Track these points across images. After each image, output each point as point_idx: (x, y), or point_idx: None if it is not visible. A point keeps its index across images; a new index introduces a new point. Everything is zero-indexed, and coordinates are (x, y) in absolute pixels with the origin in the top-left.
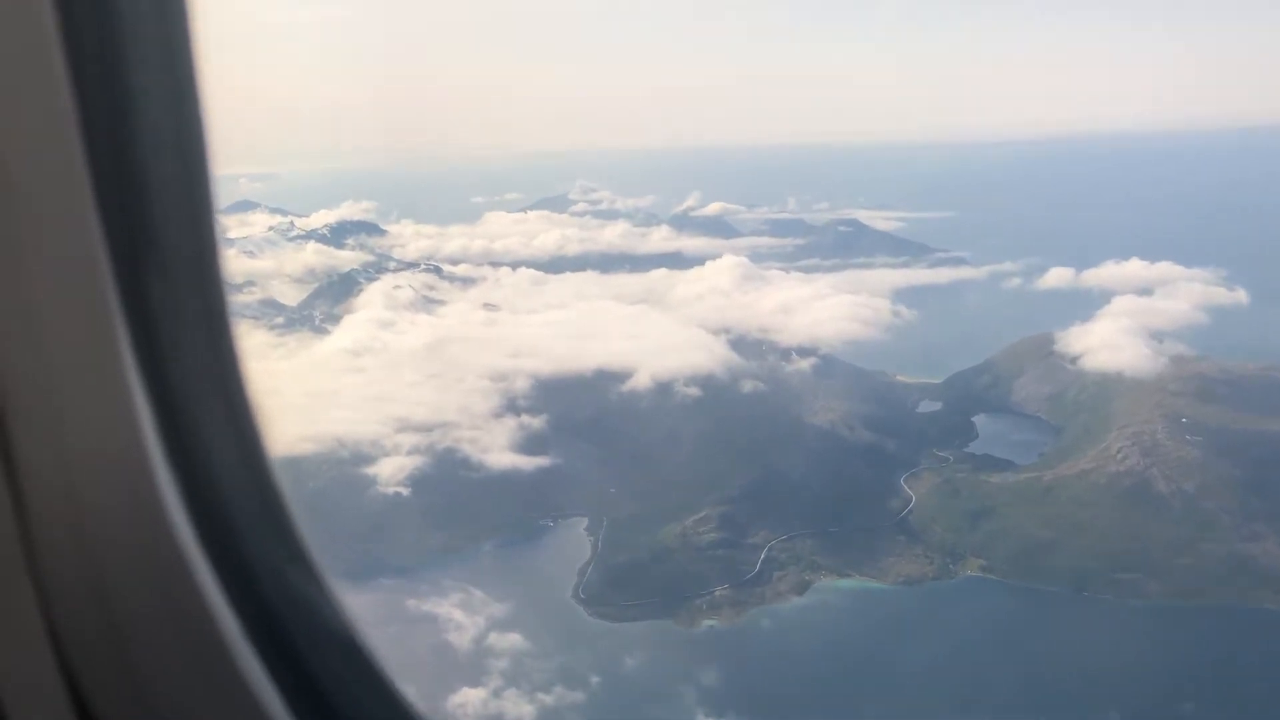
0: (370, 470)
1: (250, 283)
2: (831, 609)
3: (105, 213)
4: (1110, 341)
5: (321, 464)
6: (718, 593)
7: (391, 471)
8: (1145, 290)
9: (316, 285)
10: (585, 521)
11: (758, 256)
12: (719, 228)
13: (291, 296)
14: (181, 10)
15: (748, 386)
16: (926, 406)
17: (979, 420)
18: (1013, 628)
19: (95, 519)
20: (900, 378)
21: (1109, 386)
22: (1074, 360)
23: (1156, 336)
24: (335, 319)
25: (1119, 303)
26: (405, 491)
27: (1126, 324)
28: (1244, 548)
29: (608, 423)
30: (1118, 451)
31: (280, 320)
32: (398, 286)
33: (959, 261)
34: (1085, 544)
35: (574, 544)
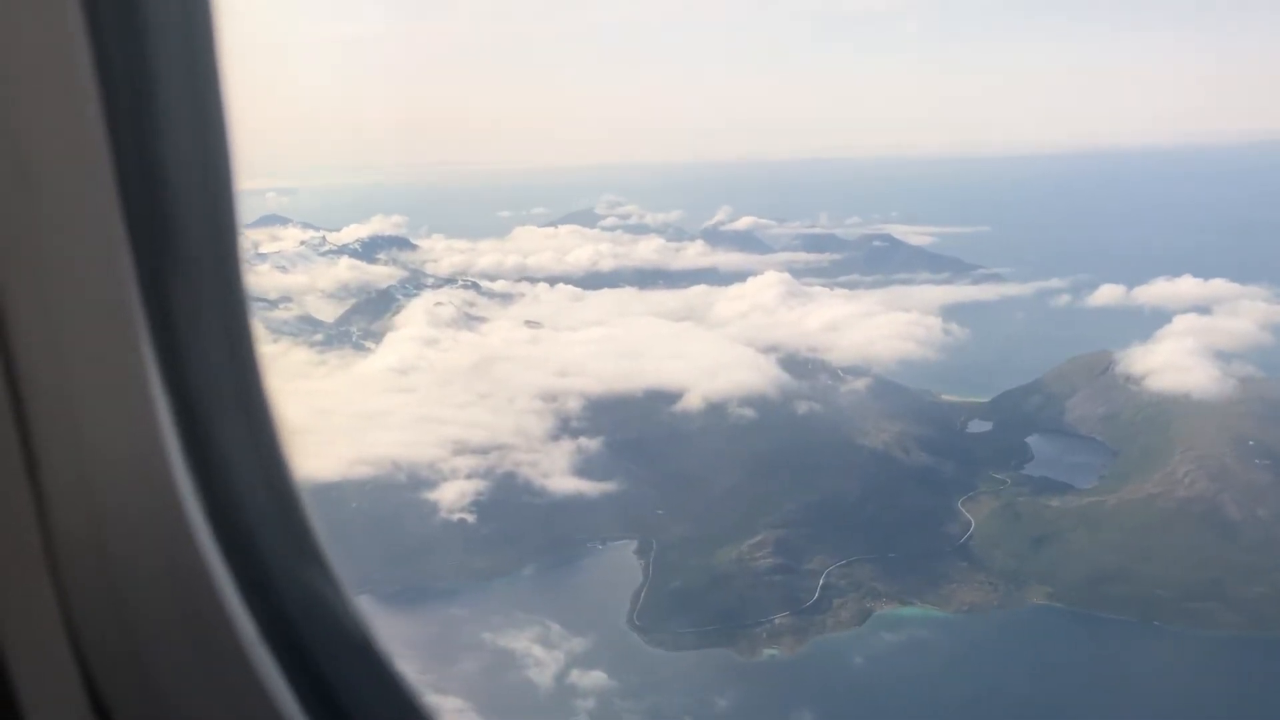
0: (431, 495)
1: (286, 298)
2: (895, 639)
3: (130, 219)
4: (1176, 362)
5: (380, 488)
6: (777, 620)
7: (454, 497)
8: (1201, 308)
9: (353, 301)
10: (634, 544)
11: (795, 272)
12: (751, 243)
13: (328, 313)
14: (207, 21)
15: (800, 407)
16: (976, 427)
17: (1033, 441)
18: (1084, 660)
19: (115, 523)
20: (945, 397)
21: (1168, 408)
22: (1134, 380)
23: (1223, 357)
24: (374, 336)
25: (1181, 322)
26: (470, 518)
27: (1191, 344)
28: None
29: (660, 444)
30: (1184, 475)
31: (319, 337)
32: (439, 303)
33: (1002, 278)
34: (1155, 572)
35: (624, 568)
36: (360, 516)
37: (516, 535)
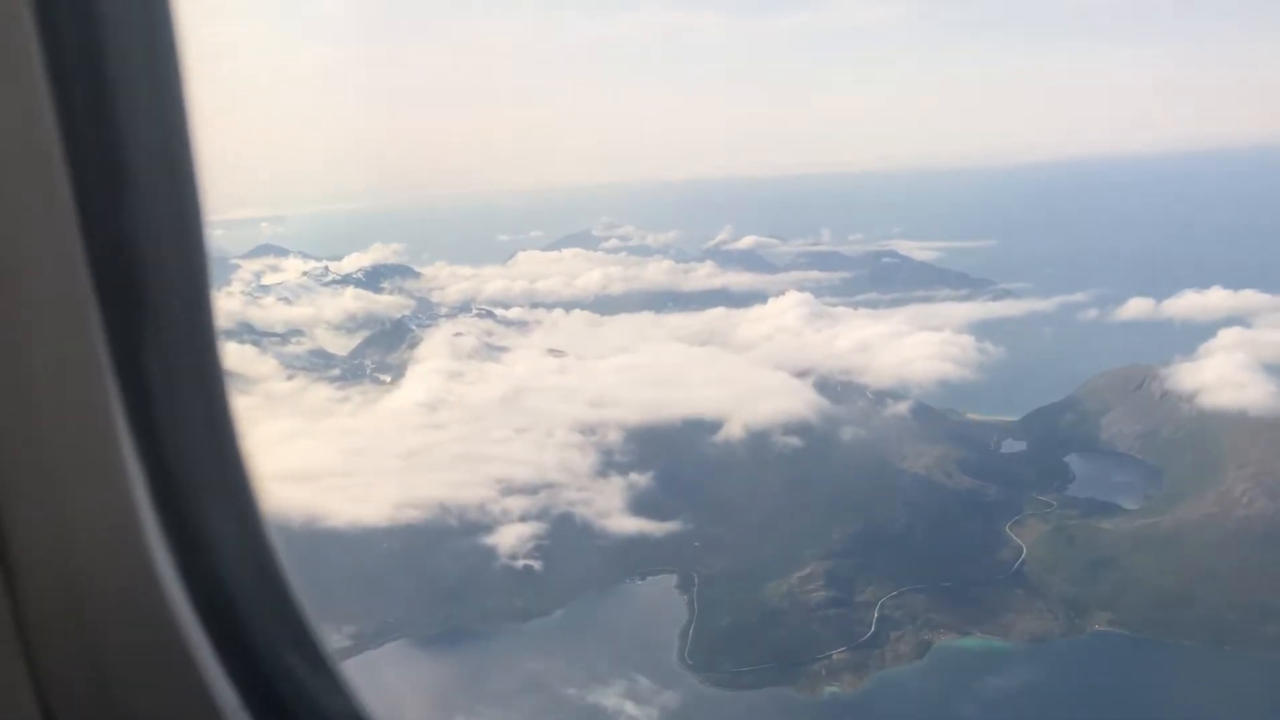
0: (489, 540)
1: (296, 332)
2: (960, 672)
3: (101, 289)
4: (1228, 377)
5: (433, 534)
6: (835, 656)
7: (513, 542)
8: (1235, 320)
9: (365, 333)
10: (675, 579)
11: (808, 292)
12: (756, 262)
13: (340, 346)
14: (176, 70)
15: (841, 433)
16: (1010, 446)
17: (1071, 461)
18: (1159, 688)
19: (92, 599)
20: (971, 416)
21: (1210, 423)
22: (1170, 395)
23: (1276, 371)
24: (389, 368)
25: (1226, 335)
26: (535, 565)
27: (1242, 358)
28: None
29: (707, 476)
30: (1242, 494)
31: (336, 372)
32: (458, 334)
33: (1022, 293)
34: (1221, 594)
35: (667, 603)
36: (417, 564)
37: (582, 580)
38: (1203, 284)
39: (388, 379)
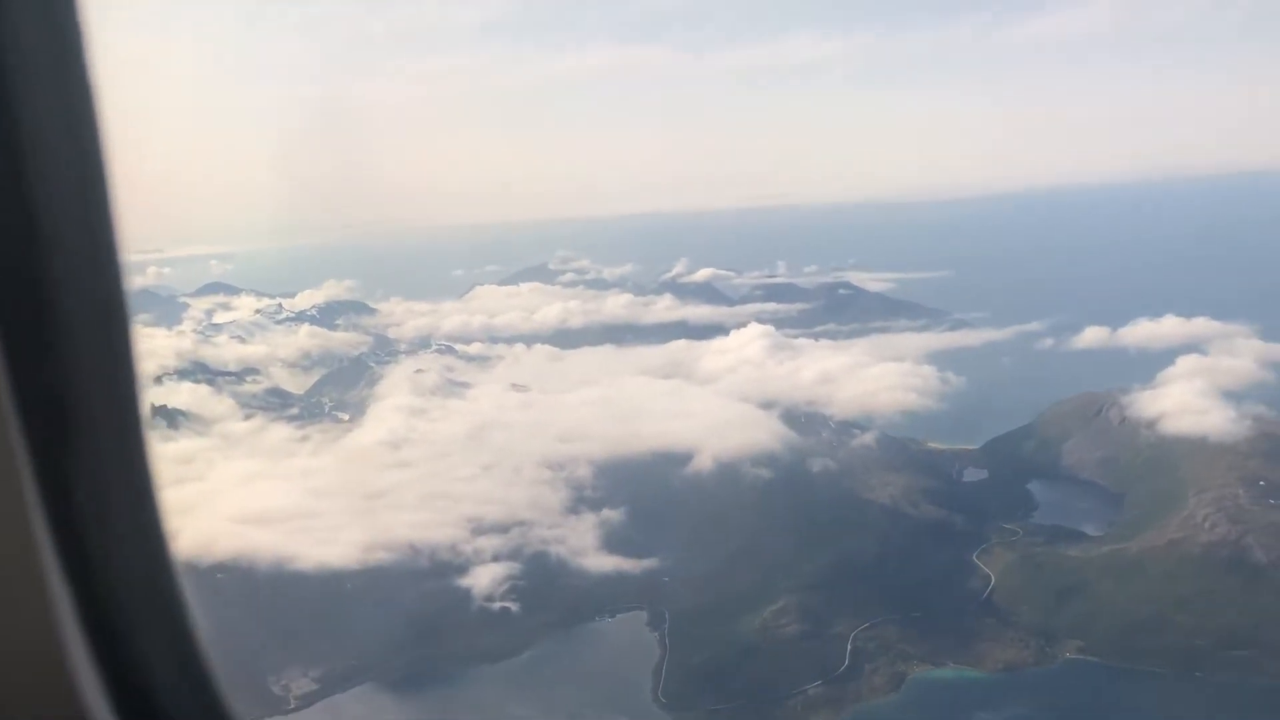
0: (462, 581)
1: (251, 370)
2: (937, 705)
3: (24, 414)
4: (1189, 405)
5: (404, 576)
6: (811, 691)
7: (487, 583)
8: (1189, 347)
9: (322, 371)
10: (644, 616)
11: (766, 324)
12: (713, 295)
13: (297, 384)
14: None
15: (808, 465)
16: (972, 475)
17: (1033, 488)
18: (1133, 717)
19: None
20: (932, 445)
21: (1169, 449)
22: (1129, 422)
23: (1232, 397)
24: (348, 406)
25: (1184, 363)
26: (513, 607)
27: (1201, 385)
28: None
29: (675, 510)
30: (1204, 519)
31: (294, 411)
32: (419, 371)
33: (980, 323)
34: (1189, 620)
35: (638, 641)
36: (387, 606)
37: (551, 619)
38: (1156, 312)
39: (347, 417)
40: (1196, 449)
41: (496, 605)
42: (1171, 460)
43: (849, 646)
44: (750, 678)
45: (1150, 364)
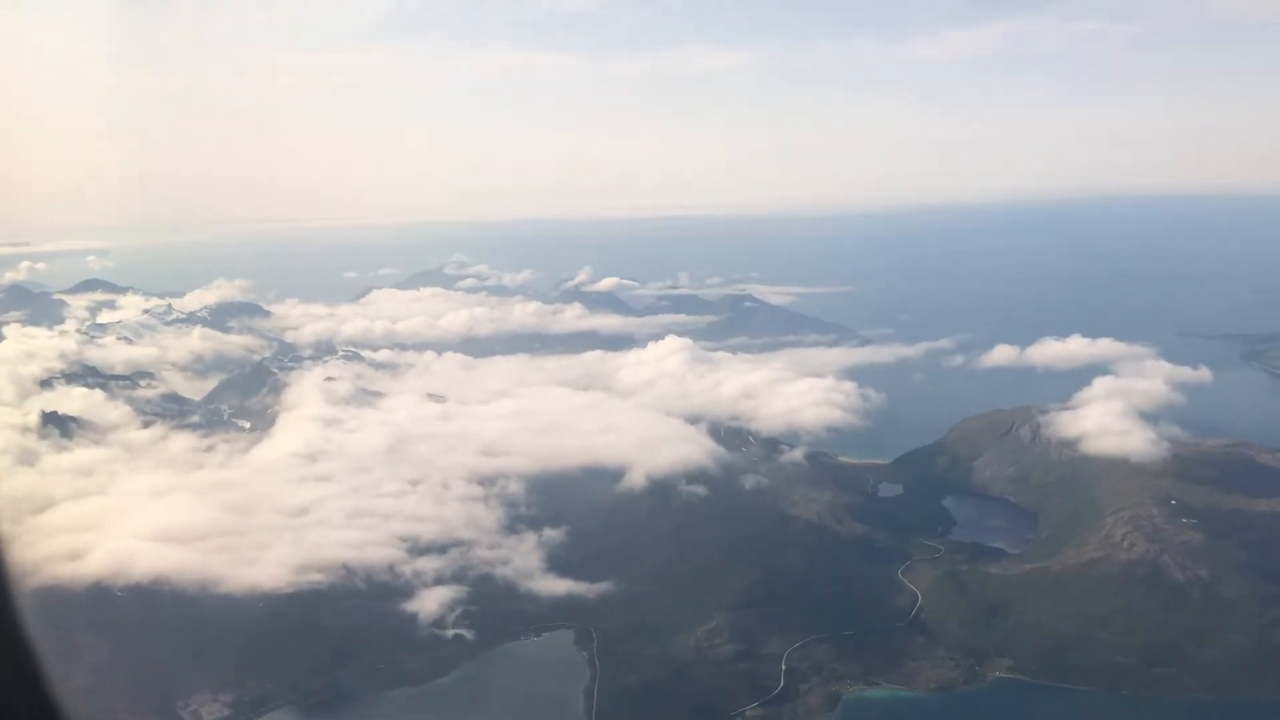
0: (409, 606)
1: (144, 374)
2: None
3: None
4: (1109, 426)
5: (344, 601)
6: (748, 712)
7: (435, 608)
8: (1095, 367)
9: (221, 376)
10: (571, 635)
11: (674, 335)
12: (618, 304)
13: (193, 390)
14: None
15: (738, 481)
16: (887, 490)
17: (948, 504)
18: None
19: None
20: (843, 459)
21: (1079, 468)
22: (1040, 440)
23: (1149, 418)
24: (248, 414)
25: (1100, 384)
26: (468, 634)
27: (1119, 406)
28: (1271, 635)
29: (614, 527)
30: (1122, 538)
31: (195, 418)
32: (330, 379)
33: (889, 339)
34: (1112, 638)
35: (565, 660)
36: (334, 638)
37: (477, 638)
38: (1055, 331)
39: (248, 425)
40: (1109, 468)
41: (450, 632)
42: (1083, 479)
43: (783, 666)
44: (686, 700)
45: (1058, 383)
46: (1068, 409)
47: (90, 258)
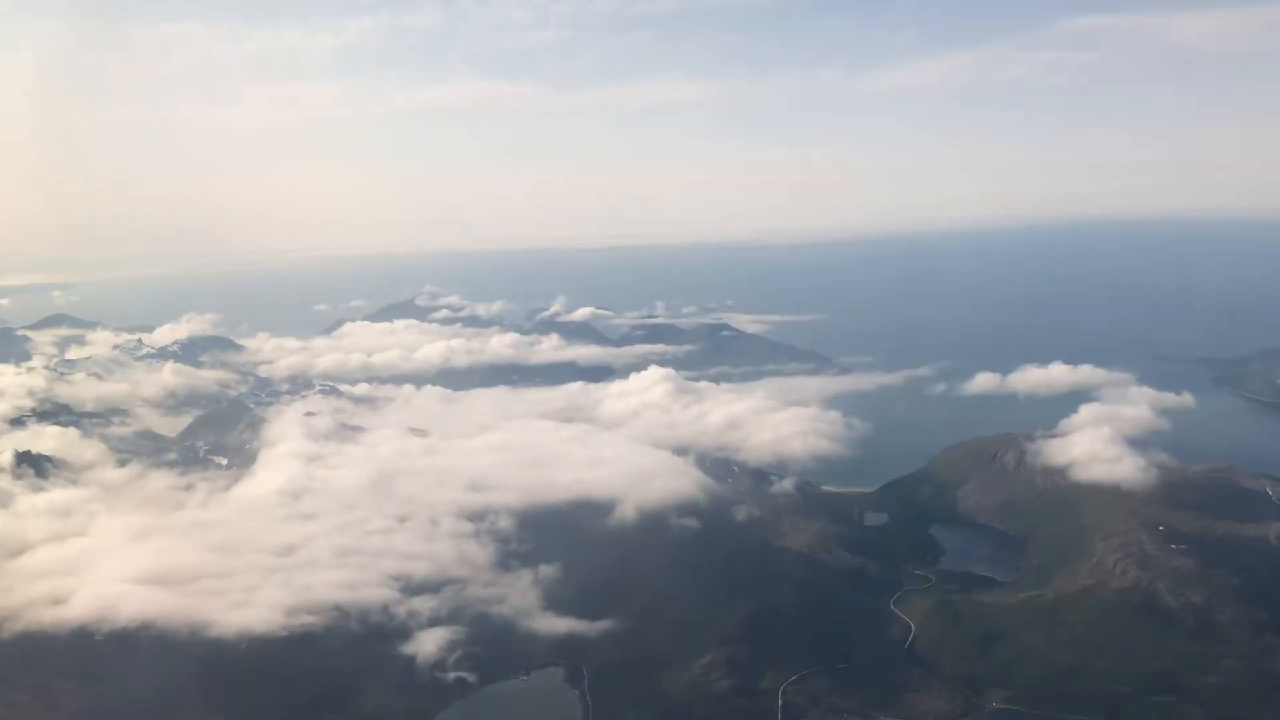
0: (406, 649)
1: (118, 411)
2: None
3: None
4: (1098, 452)
5: (338, 643)
6: None
7: (434, 649)
8: (1077, 395)
9: (196, 413)
10: (561, 672)
11: (650, 364)
12: (594, 335)
13: (167, 426)
14: None
15: (730, 513)
16: (873, 519)
17: (935, 532)
18: None
19: None
20: (827, 488)
21: (1066, 495)
22: (1025, 467)
23: (1136, 445)
24: (225, 450)
25: (1088, 410)
26: (469, 677)
27: (1107, 433)
28: (1266, 661)
29: (607, 563)
30: (1114, 566)
31: (172, 456)
32: (310, 413)
33: (869, 367)
34: (1109, 667)
35: (556, 699)
36: (329, 682)
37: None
38: (1036, 358)
39: (225, 462)
40: (1095, 494)
41: (451, 675)
42: (1070, 506)
43: (780, 701)
44: None
45: (1040, 410)
46: (1055, 436)
47: (54, 292)
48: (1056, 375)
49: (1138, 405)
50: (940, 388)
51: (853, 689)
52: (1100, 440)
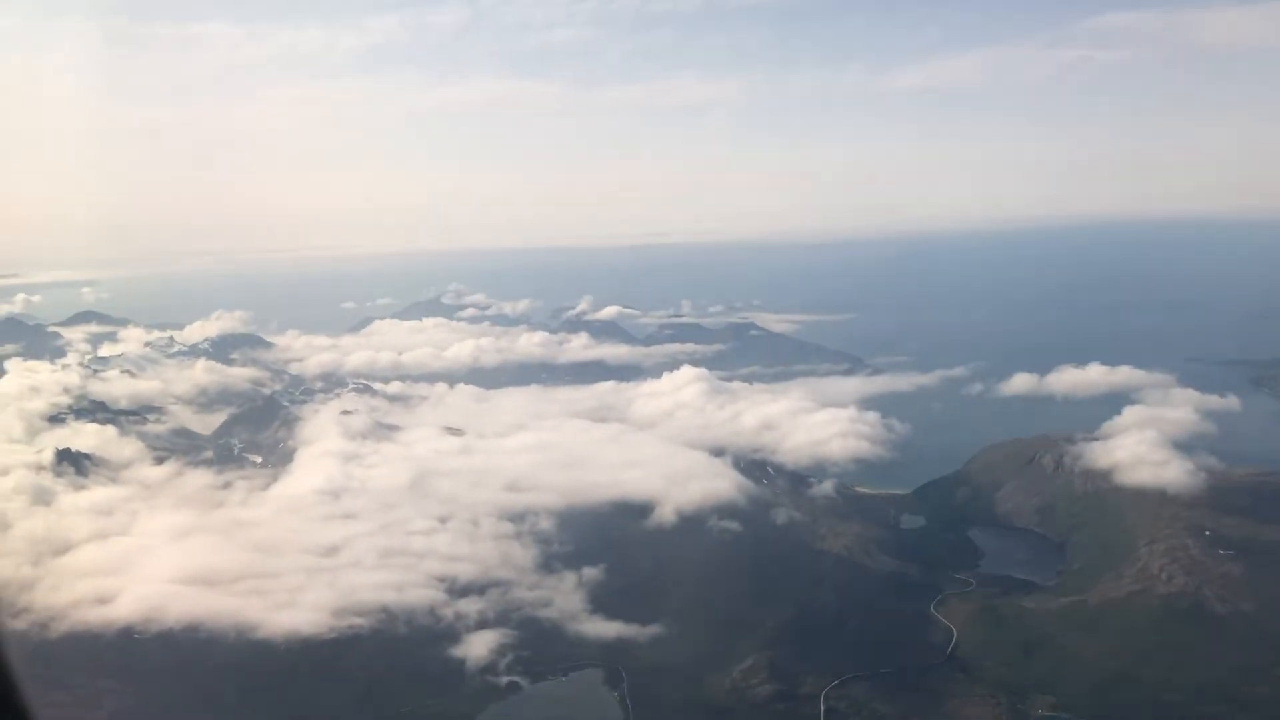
0: (457, 651)
1: (153, 409)
2: None
3: None
4: (1144, 456)
5: (387, 645)
6: None
7: (484, 653)
8: (1115, 396)
9: (230, 410)
10: (600, 674)
11: (680, 363)
12: (622, 333)
13: (200, 424)
14: None
15: (769, 516)
16: (909, 521)
17: (974, 536)
18: None
19: None
20: (860, 489)
21: (1105, 499)
22: (1078, 471)
23: (1182, 448)
24: (260, 448)
25: (1131, 413)
26: (523, 682)
27: (1153, 436)
28: None
29: (649, 565)
30: (1159, 571)
31: (208, 454)
32: (346, 412)
33: (903, 367)
34: (1157, 675)
35: (595, 701)
36: (378, 685)
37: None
38: (1070, 359)
39: (259, 460)
40: (1137, 498)
41: (504, 679)
42: (1111, 510)
43: (822, 706)
44: None
45: (1078, 411)
46: (1097, 439)
47: (84, 289)
48: (1094, 376)
49: (1182, 408)
50: (976, 388)
51: (895, 695)
52: (1146, 443)
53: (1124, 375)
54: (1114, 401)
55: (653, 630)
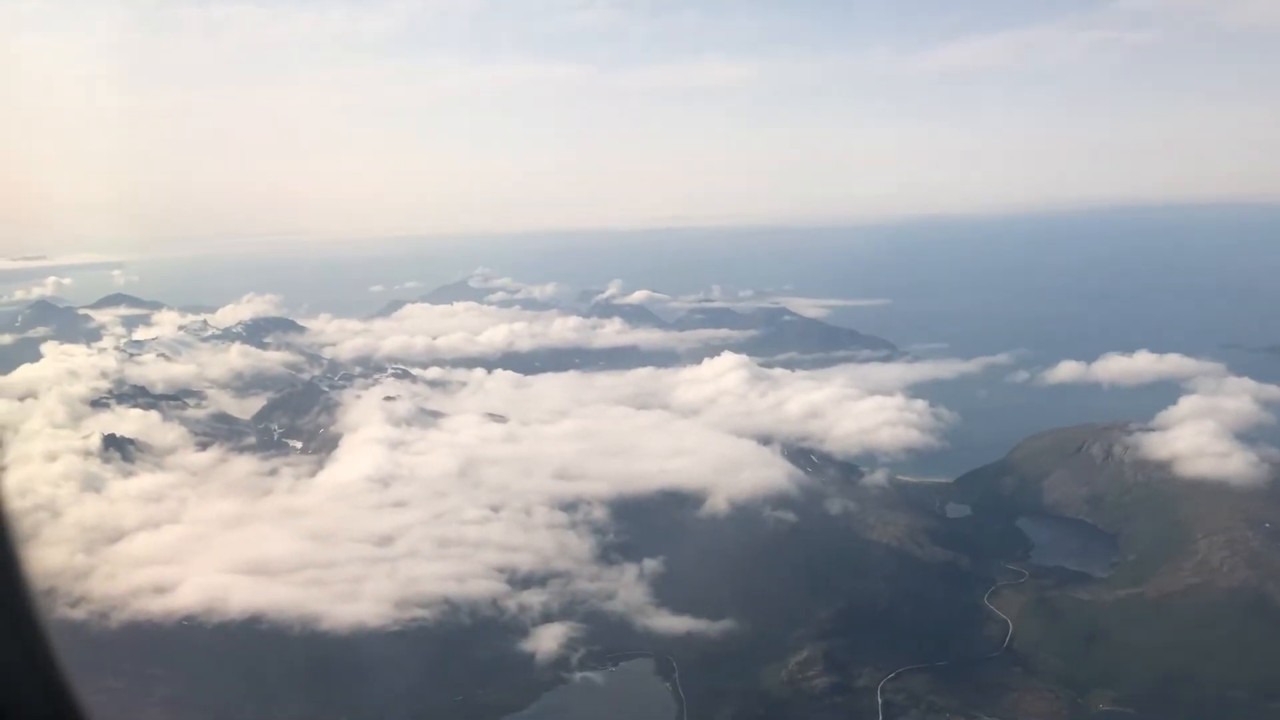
0: (525, 645)
1: (193, 394)
2: None
3: None
4: (1204, 447)
5: (451, 637)
6: None
7: (554, 646)
8: (1163, 384)
9: (265, 395)
10: (651, 664)
11: (716, 349)
12: (653, 319)
13: (238, 409)
14: None
15: (822, 506)
16: (954, 510)
17: (1022, 525)
18: None
19: None
20: (902, 478)
21: (1158, 489)
22: (1113, 458)
23: (1243, 439)
24: (299, 433)
25: (1188, 403)
26: (596, 678)
27: (1212, 426)
28: None
29: (705, 555)
30: (1220, 563)
31: (251, 440)
32: (389, 398)
33: (942, 354)
34: (1221, 670)
35: (648, 691)
36: (452, 682)
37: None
38: (1110, 346)
39: (299, 445)
40: (1192, 489)
41: (577, 675)
42: (1166, 500)
43: (879, 699)
44: None
45: (1125, 399)
46: (1152, 429)
47: (114, 272)
48: (1142, 364)
49: (1240, 397)
50: (1022, 376)
51: (952, 687)
52: (1206, 434)
53: (1172, 363)
54: (1161, 389)
55: (708, 622)
